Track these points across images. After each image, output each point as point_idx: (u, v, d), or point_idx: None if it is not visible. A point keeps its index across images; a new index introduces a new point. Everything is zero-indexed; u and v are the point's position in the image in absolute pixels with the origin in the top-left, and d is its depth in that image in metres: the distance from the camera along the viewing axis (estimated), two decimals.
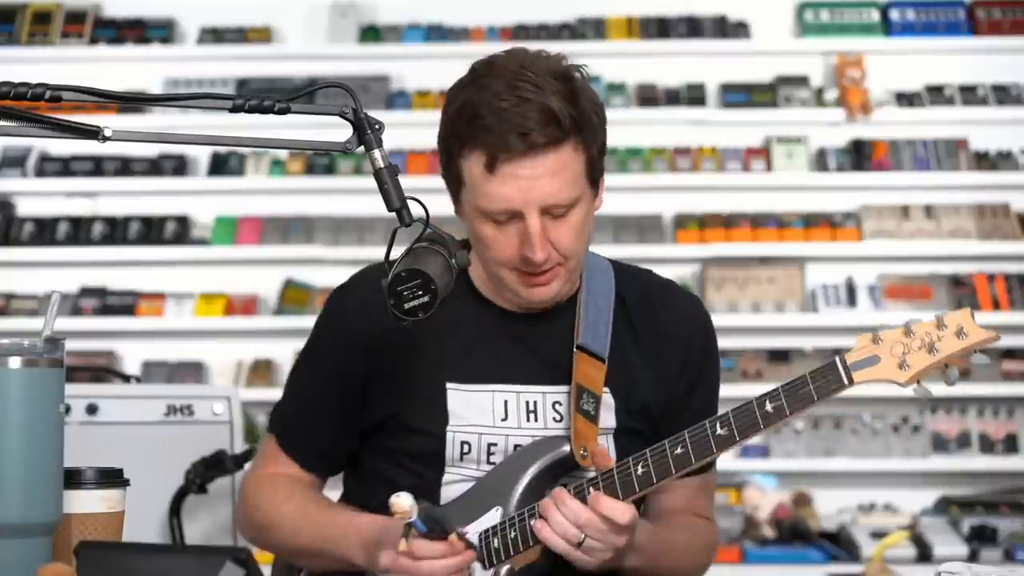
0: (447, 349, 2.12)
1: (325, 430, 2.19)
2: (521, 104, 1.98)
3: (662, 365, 2.16)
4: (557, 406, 2.11)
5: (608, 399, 2.11)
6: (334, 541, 2.09)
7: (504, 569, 2.02)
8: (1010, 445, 5.15)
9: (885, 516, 5.02)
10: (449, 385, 2.11)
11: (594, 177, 2.08)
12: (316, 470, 2.22)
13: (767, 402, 1.92)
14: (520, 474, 2.05)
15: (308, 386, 2.21)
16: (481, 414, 2.10)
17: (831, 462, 5.16)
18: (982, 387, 5.14)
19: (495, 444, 2.09)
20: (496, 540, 2.02)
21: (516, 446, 2.09)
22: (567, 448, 2.04)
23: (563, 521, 1.94)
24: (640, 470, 1.97)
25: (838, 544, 4.89)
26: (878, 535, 4.80)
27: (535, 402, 2.11)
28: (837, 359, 1.90)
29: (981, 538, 4.74)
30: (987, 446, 5.15)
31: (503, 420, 2.10)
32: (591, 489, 1.97)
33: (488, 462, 2.10)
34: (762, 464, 5.11)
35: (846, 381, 1.89)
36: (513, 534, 2.01)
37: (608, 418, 2.11)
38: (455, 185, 2.07)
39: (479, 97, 2.00)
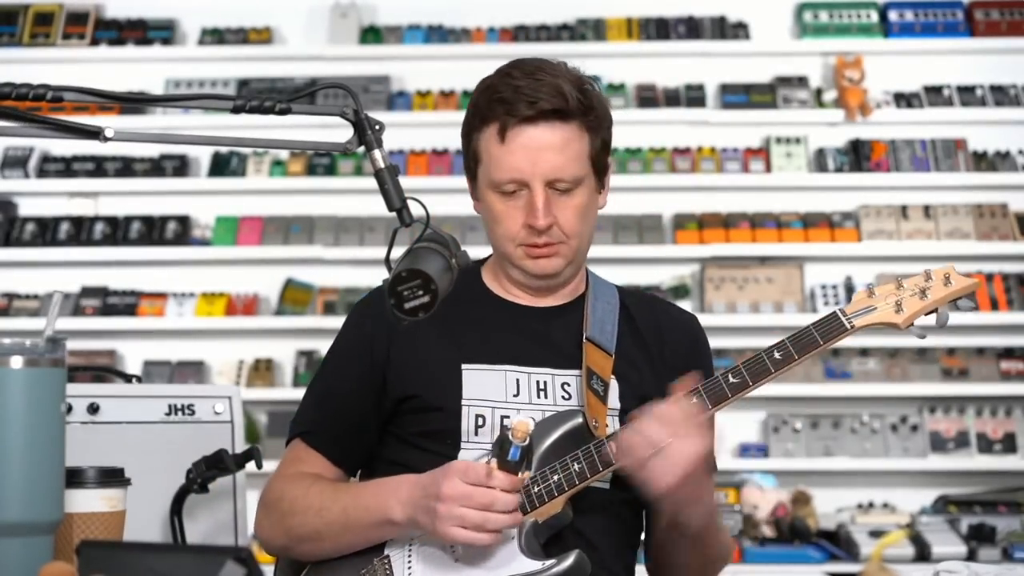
0: (464, 337, 2.24)
1: (352, 424, 2.27)
2: (535, 83, 2.18)
3: (664, 361, 2.28)
4: (566, 387, 2.21)
5: (615, 384, 2.22)
6: (365, 506, 2.12)
7: (530, 522, 2.07)
8: (1008, 444, 5.15)
9: (884, 515, 5.02)
10: (464, 366, 2.21)
11: (598, 168, 2.23)
12: (343, 464, 2.29)
13: (775, 351, 2.09)
14: (539, 443, 2.11)
15: (335, 384, 2.30)
16: (494, 391, 2.19)
17: (830, 461, 5.16)
18: (980, 387, 5.15)
19: (508, 417, 2.17)
20: (520, 495, 2.06)
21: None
22: (580, 419, 2.13)
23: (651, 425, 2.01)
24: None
25: (837, 543, 4.90)
26: (877, 534, 4.80)
27: (545, 382, 2.22)
28: (837, 310, 2.10)
29: (979, 537, 4.74)
30: (985, 445, 5.16)
31: (515, 396, 2.20)
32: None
33: None
34: (761, 463, 5.11)
35: (848, 326, 2.10)
36: (537, 489, 2.08)
37: (615, 401, 2.22)
38: (473, 165, 2.22)
39: (499, 80, 2.21)
